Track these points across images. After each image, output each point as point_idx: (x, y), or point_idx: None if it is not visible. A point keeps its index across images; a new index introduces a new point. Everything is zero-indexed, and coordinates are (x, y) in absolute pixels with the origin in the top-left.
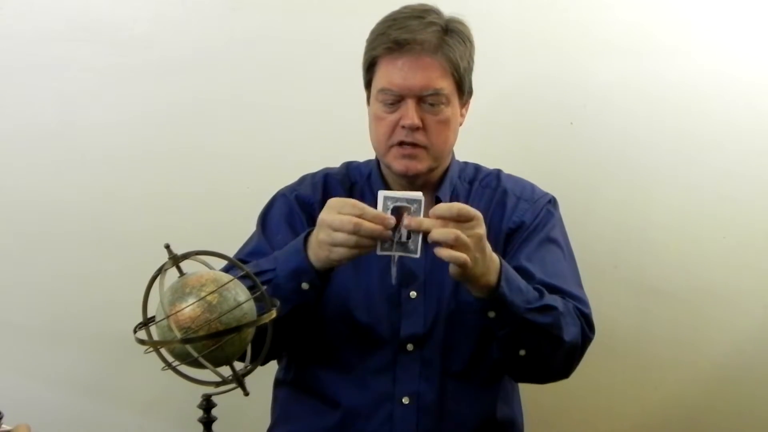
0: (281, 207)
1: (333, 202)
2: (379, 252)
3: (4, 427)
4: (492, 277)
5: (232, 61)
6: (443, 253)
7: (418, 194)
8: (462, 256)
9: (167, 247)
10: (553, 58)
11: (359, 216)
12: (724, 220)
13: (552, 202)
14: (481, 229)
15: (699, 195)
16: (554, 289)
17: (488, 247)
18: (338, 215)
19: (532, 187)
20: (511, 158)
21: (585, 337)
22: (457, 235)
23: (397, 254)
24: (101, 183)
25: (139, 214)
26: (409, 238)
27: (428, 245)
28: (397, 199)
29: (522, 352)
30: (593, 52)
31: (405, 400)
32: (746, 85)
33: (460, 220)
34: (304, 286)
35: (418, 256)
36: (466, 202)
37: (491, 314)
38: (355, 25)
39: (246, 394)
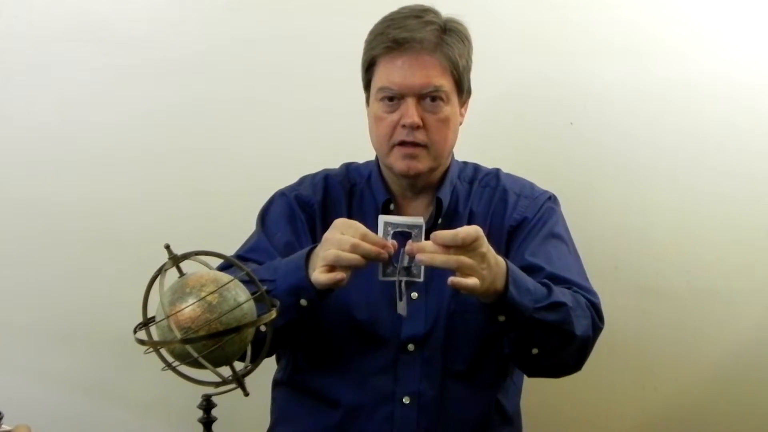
0: (281, 205)
1: (338, 223)
2: (381, 278)
3: (4, 427)
4: (499, 284)
5: (231, 61)
6: (454, 283)
7: (419, 219)
8: (470, 282)
9: (167, 247)
10: (553, 58)
11: (361, 238)
12: (724, 220)
13: (552, 198)
14: (484, 247)
15: (699, 195)
16: (562, 281)
17: (492, 256)
18: (341, 235)
19: (532, 185)
20: (510, 158)
21: (596, 328)
22: (460, 262)
23: (400, 279)
24: (101, 183)
25: (139, 214)
26: (411, 262)
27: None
28: (397, 225)
29: (534, 351)
30: (593, 52)
31: (405, 400)
32: (746, 85)
33: (464, 246)
34: (303, 302)
35: (421, 280)
36: (466, 202)
37: (501, 318)
38: (355, 25)
39: (246, 394)
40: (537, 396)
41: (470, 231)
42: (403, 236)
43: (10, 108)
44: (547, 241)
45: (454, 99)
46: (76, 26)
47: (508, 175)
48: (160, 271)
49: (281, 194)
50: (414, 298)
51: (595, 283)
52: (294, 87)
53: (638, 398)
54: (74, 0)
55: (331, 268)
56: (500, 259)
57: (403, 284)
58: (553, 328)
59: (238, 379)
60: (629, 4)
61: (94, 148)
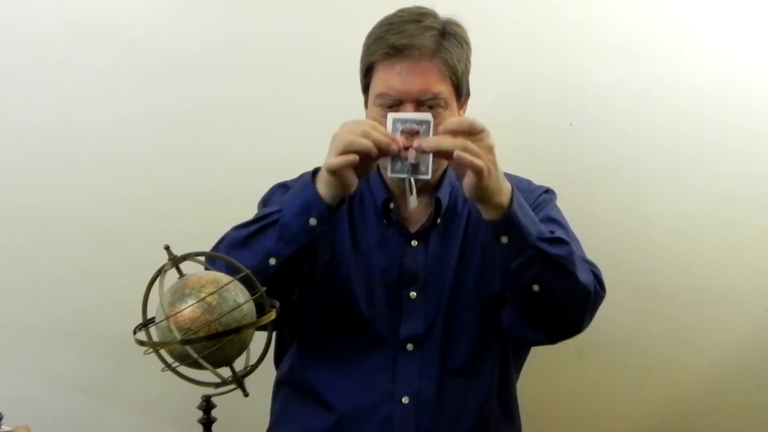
0: (281, 195)
1: (347, 121)
2: (390, 174)
3: (4, 428)
4: (504, 198)
5: (231, 61)
6: (461, 157)
7: (427, 115)
8: (477, 160)
9: (167, 248)
10: (553, 59)
11: (372, 129)
12: (724, 220)
13: (549, 191)
14: (492, 141)
15: (699, 195)
16: None
17: (498, 160)
18: (353, 125)
19: (529, 181)
20: (510, 159)
21: (597, 291)
22: (467, 144)
23: (409, 176)
24: (101, 183)
25: (139, 214)
26: (419, 159)
27: (425, 248)
28: (406, 121)
29: (536, 288)
30: (593, 53)
31: (404, 400)
32: (746, 85)
33: (472, 133)
34: (312, 222)
35: (429, 177)
36: (466, 202)
37: (504, 239)
38: (355, 25)
39: (246, 395)
40: (537, 396)
41: (478, 120)
42: (411, 135)
43: (11, 108)
44: (544, 224)
45: (453, 104)
46: (76, 26)
47: (507, 175)
48: (160, 272)
49: (281, 185)
50: (413, 297)
51: None
52: (294, 87)
53: (638, 398)
54: (74, 0)
55: (343, 151)
56: (507, 182)
57: (412, 180)
58: (556, 264)
59: (238, 380)
60: (629, 4)
61: (95, 148)
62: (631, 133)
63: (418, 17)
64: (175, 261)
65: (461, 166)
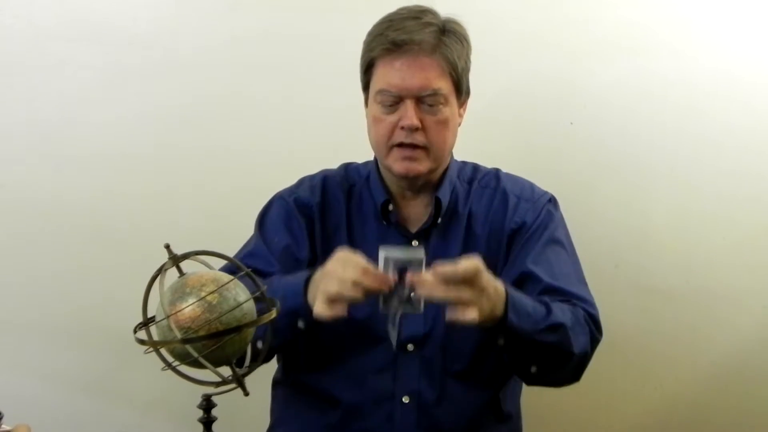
0: (279, 210)
1: (340, 255)
2: (382, 310)
3: (4, 427)
4: (498, 310)
5: (232, 60)
6: (454, 321)
7: (419, 253)
8: (468, 317)
9: (167, 247)
10: (554, 58)
11: (362, 274)
12: (724, 220)
13: (552, 201)
14: (484, 280)
15: (699, 195)
16: (560, 292)
17: (491, 287)
18: (342, 271)
19: (532, 187)
20: (510, 158)
21: (594, 341)
22: (459, 297)
23: (400, 311)
24: (101, 182)
25: (139, 213)
26: (411, 293)
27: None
28: (398, 260)
29: (533, 369)
30: (593, 52)
31: (405, 399)
32: (746, 85)
33: (464, 280)
34: (300, 325)
35: (421, 312)
36: (466, 202)
37: (500, 341)
38: (355, 24)
39: (246, 394)
40: (537, 396)
41: (470, 266)
42: (403, 268)
43: (11, 106)
44: (547, 247)
45: (453, 100)
46: (76, 25)
47: (508, 176)
48: (160, 270)
49: (279, 198)
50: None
51: (595, 282)
52: (294, 85)
53: (638, 398)
54: (74, 0)
55: (331, 301)
56: (499, 287)
57: (398, 315)
58: (552, 349)
59: (238, 379)
60: (629, 4)
61: (95, 147)
62: (631, 132)
63: (418, 14)
64: (176, 260)
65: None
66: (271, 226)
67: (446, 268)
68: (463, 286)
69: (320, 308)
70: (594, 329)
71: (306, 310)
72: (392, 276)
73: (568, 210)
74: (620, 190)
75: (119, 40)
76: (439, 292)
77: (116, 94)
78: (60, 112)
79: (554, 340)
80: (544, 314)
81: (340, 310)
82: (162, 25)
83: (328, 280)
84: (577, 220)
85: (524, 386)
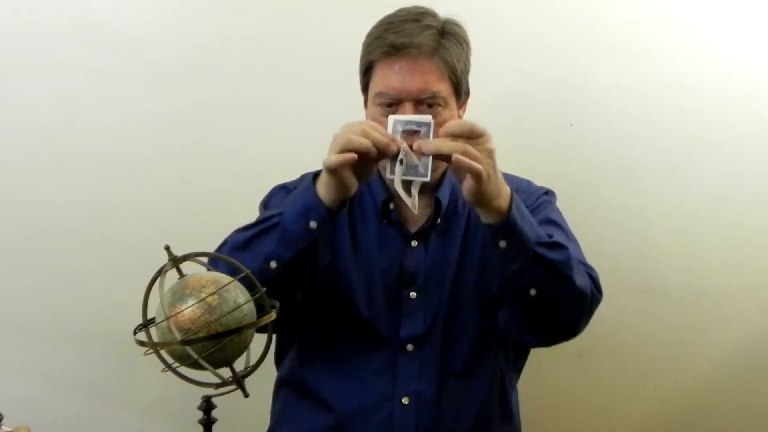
0: (281, 196)
1: (348, 122)
2: (388, 175)
3: (5, 428)
4: (504, 202)
5: (232, 61)
6: (459, 160)
7: (428, 117)
8: (476, 164)
9: (167, 248)
10: (553, 58)
11: (372, 126)
12: (724, 220)
13: (549, 192)
14: (492, 145)
15: (699, 195)
16: None
17: (498, 164)
18: (353, 125)
19: (529, 182)
20: (510, 159)
21: (594, 294)
22: (467, 149)
23: (409, 178)
24: (101, 183)
25: (138, 214)
26: (419, 161)
27: (425, 248)
28: (406, 122)
29: (533, 292)
30: (593, 53)
31: (405, 400)
32: (746, 86)
33: (472, 136)
34: (312, 225)
35: (428, 179)
36: (465, 203)
37: (502, 243)
38: (355, 25)
39: (246, 395)
40: (537, 396)
41: (478, 124)
42: (411, 135)
43: (11, 108)
44: (543, 226)
45: (452, 102)
46: (76, 26)
47: (505, 174)
48: (160, 272)
49: (281, 186)
50: (413, 297)
51: None
52: (294, 87)
53: (638, 398)
54: (74, 0)
55: (342, 150)
56: (506, 187)
57: (406, 182)
58: (554, 268)
59: (238, 381)
60: (629, 4)
61: (94, 148)
62: (631, 133)
63: (418, 16)
64: (176, 261)
65: (460, 170)
66: (275, 207)
67: (455, 121)
68: (471, 144)
69: (331, 157)
70: (593, 287)
71: (317, 202)
72: (400, 140)
73: (568, 210)
74: (620, 191)
75: (119, 41)
76: (447, 144)
77: (116, 96)
78: (60, 114)
79: (556, 258)
80: (547, 235)
81: (349, 155)
82: (162, 26)
83: (338, 136)
84: (577, 221)
85: (524, 387)
